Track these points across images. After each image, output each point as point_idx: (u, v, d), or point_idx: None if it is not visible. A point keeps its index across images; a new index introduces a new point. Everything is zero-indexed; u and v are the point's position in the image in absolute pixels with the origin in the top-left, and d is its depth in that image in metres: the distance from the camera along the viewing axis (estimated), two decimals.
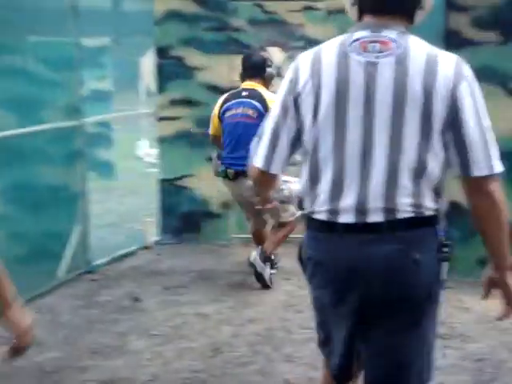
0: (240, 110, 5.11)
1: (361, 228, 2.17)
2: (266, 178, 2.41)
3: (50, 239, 5.35)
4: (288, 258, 4.95)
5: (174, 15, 6.23)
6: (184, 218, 6.39)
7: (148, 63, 11.48)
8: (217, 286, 5.29)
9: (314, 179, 2.24)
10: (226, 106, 5.20)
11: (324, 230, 2.24)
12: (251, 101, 5.08)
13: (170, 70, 6.27)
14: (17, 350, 2.08)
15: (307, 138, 2.24)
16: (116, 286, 5.33)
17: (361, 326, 2.24)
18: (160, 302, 4.95)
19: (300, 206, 2.38)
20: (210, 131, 5.40)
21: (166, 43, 6.27)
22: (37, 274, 5.09)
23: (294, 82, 2.26)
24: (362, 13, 2.26)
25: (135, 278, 5.53)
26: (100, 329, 4.47)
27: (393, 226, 2.15)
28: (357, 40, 2.18)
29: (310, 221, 2.29)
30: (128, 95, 11.30)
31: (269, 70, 5.23)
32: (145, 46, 10.84)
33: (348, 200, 2.17)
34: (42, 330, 4.21)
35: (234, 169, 5.05)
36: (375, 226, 2.15)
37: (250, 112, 5.07)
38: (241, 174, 4.92)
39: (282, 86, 2.31)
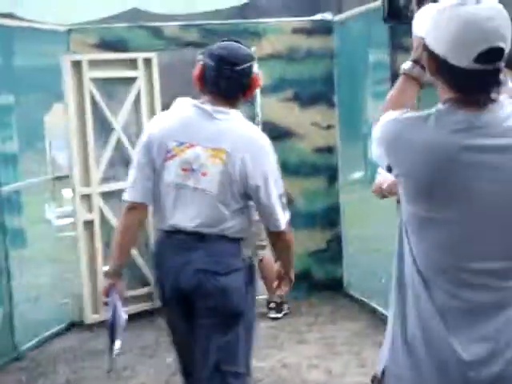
0: None
1: None
2: None
3: None
4: None
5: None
6: None
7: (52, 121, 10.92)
8: (165, 366, 4.75)
9: None
10: None
11: None
12: None
13: None
14: None
15: None
16: (51, 373, 4.71)
17: None
18: None
19: None
20: None
21: None
22: None
23: None
24: None
25: (71, 361, 4.93)
26: None
27: None
28: None
29: None
30: (34, 156, 10.60)
31: None
32: (48, 102, 10.28)
33: None
34: None
35: None
36: None
37: None
38: None
39: None
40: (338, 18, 5.92)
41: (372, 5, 5.58)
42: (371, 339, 4.91)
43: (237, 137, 2.95)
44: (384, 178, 2.77)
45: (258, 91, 5.99)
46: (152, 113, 5.73)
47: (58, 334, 5.43)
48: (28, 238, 8.55)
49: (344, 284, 6.06)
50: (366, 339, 4.99)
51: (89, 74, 5.45)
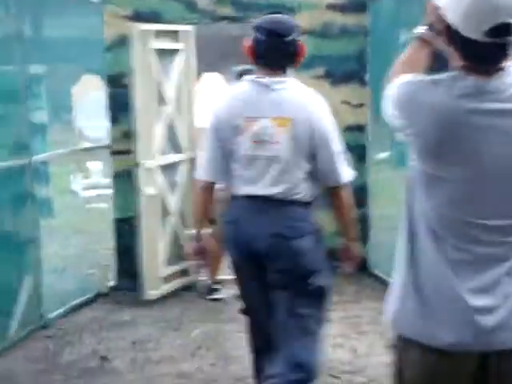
0: None
1: None
2: None
3: None
4: None
5: (125, 40, 5.72)
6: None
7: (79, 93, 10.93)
8: (191, 338, 4.78)
9: None
10: None
11: None
12: None
13: (122, 99, 5.75)
14: None
15: None
16: (77, 342, 4.74)
17: None
18: (131, 362, 4.40)
19: None
20: None
21: (117, 71, 5.76)
22: None
23: None
24: None
25: (96, 331, 4.95)
26: None
27: None
28: None
29: None
30: (62, 127, 10.64)
31: None
32: (77, 74, 10.29)
33: None
34: None
35: None
36: None
37: None
38: None
39: None
40: None
41: None
42: None
43: (297, 103, 3.13)
44: None
45: None
46: (188, 85, 5.71)
47: (84, 304, 5.46)
48: (55, 208, 8.62)
49: (369, 263, 6.03)
50: None
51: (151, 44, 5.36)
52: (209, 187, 3.29)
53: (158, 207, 5.49)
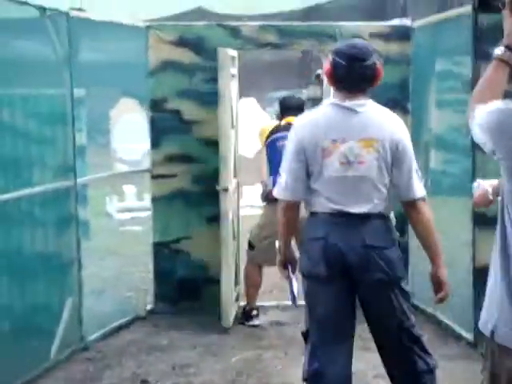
0: None
1: None
2: None
3: (40, 313, 4.74)
4: None
5: (169, 65, 5.78)
6: (180, 285, 5.84)
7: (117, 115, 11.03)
8: (230, 364, 4.75)
9: None
10: (275, 136, 5.48)
11: None
12: None
13: (165, 123, 5.81)
14: None
15: None
16: (116, 365, 4.74)
17: None
18: None
19: None
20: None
21: (160, 95, 5.82)
22: (26, 354, 4.49)
23: None
24: None
25: (136, 354, 4.95)
26: None
27: None
28: None
29: None
30: (99, 149, 10.74)
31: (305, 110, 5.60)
32: (114, 97, 10.38)
33: None
34: None
35: None
36: None
37: None
38: None
39: None
40: (416, 24, 5.85)
41: (450, 13, 5.52)
42: (437, 352, 4.81)
43: (380, 124, 3.31)
44: (482, 188, 2.78)
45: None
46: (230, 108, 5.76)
47: (122, 327, 5.46)
48: (91, 230, 8.67)
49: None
50: (431, 351, 4.90)
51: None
52: (293, 206, 3.40)
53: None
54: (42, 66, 4.83)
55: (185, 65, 5.76)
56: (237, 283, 5.80)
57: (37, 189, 4.58)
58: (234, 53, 5.70)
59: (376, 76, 3.31)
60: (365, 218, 3.28)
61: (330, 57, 3.31)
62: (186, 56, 5.76)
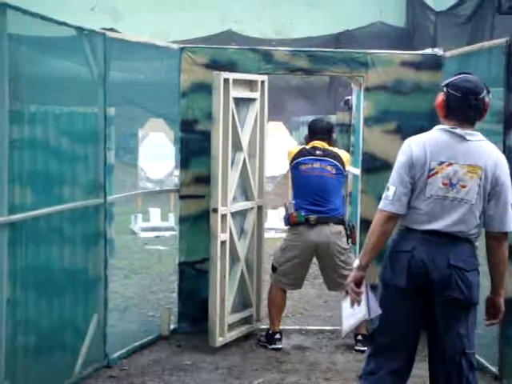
0: (318, 165, 5.57)
1: None
2: None
3: (66, 329, 4.77)
4: None
5: (200, 87, 5.83)
6: (204, 305, 5.83)
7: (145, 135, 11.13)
8: None
9: None
10: (299, 160, 5.60)
11: None
12: (329, 159, 5.58)
13: (195, 145, 5.85)
14: None
15: None
16: None
17: None
18: None
19: None
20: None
21: (191, 116, 5.87)
22: (50, 369, 4.51)
23: None
24: None
25: (159, 374, 4.95)
26: None
27: None
28: None
29: None
30: (127, 169, 10.84)
31: (334, 134, 5.84)
32: (146, 117, 10.48)
33: None
34: None
35: (316, 216, 5.44)
36: None
37: (329, 168, 5.56)
38: (322, 222, 5.46)
39: None
40: (448, 53, 5.87)
41: (483, 44, 5.53)
42: None
43: (487, 155, 3.52)
44: None
45: (361, 122, 6.03)
46: (261, 134, 5.79)
47: (145, 346, 5.47)
48: (116, 248, 8.73)
49: None
50: None
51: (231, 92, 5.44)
52: (393, 220, 3.53)
53: (228, 253, 5.52)
54: (77, 84, 4.90)
55: None
56: (248, 305, 5.80)
57: (67, 205, 4.63)
58: (263, 78, 5.75)
59: (485, 109, 3.55)
60: (455, 239, 3.47)
61: (444, 89, 3.54)
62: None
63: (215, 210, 5.39)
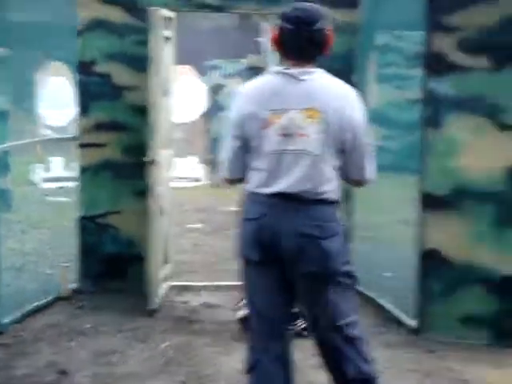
0: None
1: None
2: None
3: None
4: None
5: (99, 25, 5.32)
6: (107, 262, 5.45)
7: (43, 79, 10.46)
8: (158, 352, 4.40)
9: None
10: None
11: None
12: None
13: (94, 88, 5.37)
14: None
15: None
16: (34, 352, 4.32)
17: None
18: (92, 377, 4.01)
19: None
20: None
21: (89, 57, 5.36)
22: None
23: None
24: None
25: (55, 340, 4.54)
26: None
27: None
28: None
29: None
30: (22, 114, 10.16)
31: None
32: (41, 59, 9.84)
33: None
34: None
35: None
36: None
37: None
38: None
39: None
40: None
41: None
42: (378, 339, 4.55)
43: (326, 94, 2.95)
44: None
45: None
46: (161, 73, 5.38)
47: (41, 308, 5.04)
48: (13, 200, 8.14)
49: None
50: (373, 339, 4.64)
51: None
52: (235, 184, 3.19)
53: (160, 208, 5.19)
54: None
55: (115, 25, 5.32)
56: (166, 262, 5.44)
57: None
58: (170, 14, 5.29)
59: (325, 42, 2.98)
60: (305, 201, 2.94)
61: (278, 22, 3.00)
62: (116, 15, 5.31)
63: (154, 162, 4.99)
